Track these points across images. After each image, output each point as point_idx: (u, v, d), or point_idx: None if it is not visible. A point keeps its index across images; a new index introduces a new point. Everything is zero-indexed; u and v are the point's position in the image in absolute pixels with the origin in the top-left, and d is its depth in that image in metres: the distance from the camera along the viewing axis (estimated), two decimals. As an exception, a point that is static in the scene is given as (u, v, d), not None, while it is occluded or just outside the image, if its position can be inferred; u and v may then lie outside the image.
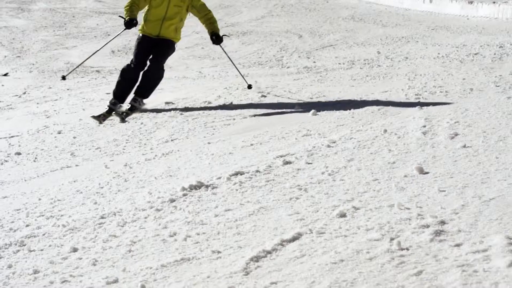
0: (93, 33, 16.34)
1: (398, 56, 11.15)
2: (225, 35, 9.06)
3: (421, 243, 3.02)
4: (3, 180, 5.23)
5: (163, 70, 8.35)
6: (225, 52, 9.24)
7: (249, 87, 8.74)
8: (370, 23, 16.31)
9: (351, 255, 2.94)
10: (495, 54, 10.69)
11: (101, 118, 7.78)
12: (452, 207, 3.54)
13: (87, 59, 9.14)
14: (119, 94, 8.21)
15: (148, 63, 8.26)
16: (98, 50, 9.21)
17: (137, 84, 8.22)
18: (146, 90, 8.30)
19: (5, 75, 11.70)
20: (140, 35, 8.47)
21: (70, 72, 9.87)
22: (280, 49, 13.12)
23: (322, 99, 7.83)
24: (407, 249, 2.96)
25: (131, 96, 8.20)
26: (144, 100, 8.24)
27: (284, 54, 12.53)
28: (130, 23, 8.24)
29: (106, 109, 8.01)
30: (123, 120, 7.71)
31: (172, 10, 8.42)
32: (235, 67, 9.20)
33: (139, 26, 8.53)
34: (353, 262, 2.87)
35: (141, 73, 8.22)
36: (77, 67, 9.85)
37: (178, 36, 8.62)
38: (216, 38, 8.61)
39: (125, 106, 8.10)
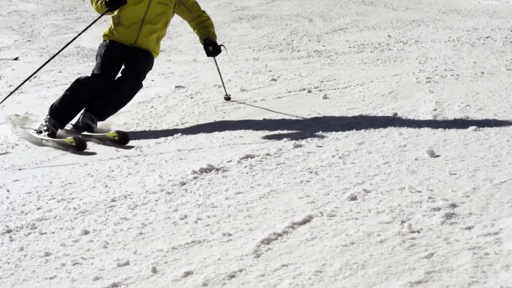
0: (103, 17, 16.29)
1: (408, 39, 11.09)
2: (222, 45, 6.94)
3: (432, 226, 3.01)
4: (14, 164, 5.24)
5: (139, 88, 6.55)
6: (216, 64, 7.39)
7: (227, 98, 7.19)
8: (381, 7, 16.22)
9: (362, 238, 2.94)
10: (506, 37, 10.62)
11: (42, 141, 5.94)
12: (463, 190, 3.53)
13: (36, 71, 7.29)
14: (63, 114, 6.22)
15: (118, 76, 6.51)
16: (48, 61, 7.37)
17: (96, 101, 6.31)
18: (108, 109, 6.41)
19: (16, 59, 11.70)
20: (107, 41, 6.63)
21: (6, 98, 7.07)
22: (290, 32, 13.07)
23: (333, 83, 7.80)
24: (418, 231, 2.96)
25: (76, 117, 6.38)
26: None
27: (294, 37, 12.48)
28: (116, 1, 6.28)
29: (45, 133, 6.01)
30: (78, 146, 5.62)
31: (155, 10, 6.51)
32: (220, 76, 7.45)
33: (104, 30, 6.78)
34: (364, 244, 2.86)
35: (102, 89, 6.37)
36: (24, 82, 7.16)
37: (158, 49, 6.82)
38: (212, 48, 6.75)
39: (69, 128, 6.34)
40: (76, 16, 16.59)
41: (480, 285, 2.36)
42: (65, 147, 5.68)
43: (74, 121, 6.36)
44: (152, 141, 5.61)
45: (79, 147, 5.58)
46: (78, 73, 10.06)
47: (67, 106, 6.26)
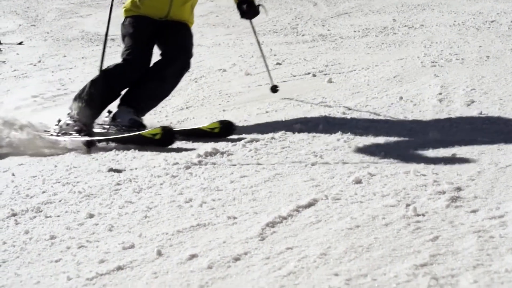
0: (108, 1, 16.26)
1: (414, 23, 11.05)
2: (261, 4, 5.89)
3: (437, 209, 3.01)
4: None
5: (187, 70, 5.62)
6: (254, 33, 6.39)
7: (274, 89, 6.07)
8: (386, -9, 16.17)
9: (366, 221, 2.94)
10: (511, 21, 10.59)
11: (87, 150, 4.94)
12: (468, 173, 3.53)
13: None
14: (92, 115, 5.38)
15: (158, 58, 5.52)
16: None
17: (133, 92, 5.45)
18: (151, 101, 5.57)
19: (20, 43, 11.70)
20: (132, 18, 5.56)
21: None
22: (295, 17, 13.03)
23: (337, 67, 7.78)
24: (423, 215, 2.95)
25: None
26: None
27: (299, 22, 12.44)
28: None
29: (82, 142, 5.05)
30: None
31: None
32: (265, 61, 6.47)
33: (125, 5, 5.68)
34: (368, 227, 2.86)
35: (138, 76, 5.45)
36: None
37: (193, 19, 5.80)
38: (247, 8, 5.73)
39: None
40: (81, 0, 16.56)
41: (485, 268, 2.36)
42: (140, 143, 4.89)
43: (101, 119, 5.58)
44: (157, 125, 5.60)
45: (166, 139, 4.77)
46: (83, 57, 10.06)
47: (97, 104, 5.38)
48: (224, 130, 5.02)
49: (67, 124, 5.39)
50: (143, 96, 5.43)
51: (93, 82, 5.45)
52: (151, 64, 5.51)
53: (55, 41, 11.86)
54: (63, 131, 5.35)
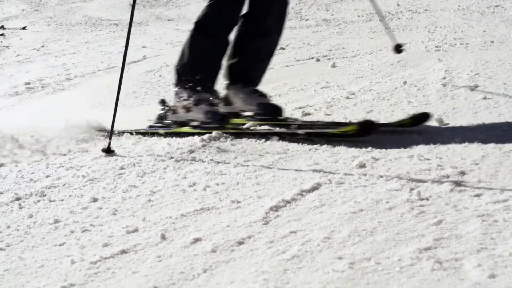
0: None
1: (418, 8, 11.02)
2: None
3: (441, 193, 3.01)
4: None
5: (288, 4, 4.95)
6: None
7: (397, 48, 5.69)
8: (390, -25, 16.11)
9: (370, 205, 2.93)
10: (516, 6, 10.55)
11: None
12: (472, 158, 3.52)
13: None
14: (207, 76, 4.76)
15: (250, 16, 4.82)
16: None
17: (238, 62, 4.87)
18: (263, 69, 5.03)
19: (24, 28, 11.70)
20: None
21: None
22: (299, 1, 12.99)
23: (341, 52, 7.77)
24: (427, 199, 2.95)
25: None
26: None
27: (302, 6, 12.42)
28: None
29: (208, 122, 4.59)
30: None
31: None
32: (385, 22, 6.38)
33: None
34: (372, 211, 2.86)
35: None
36: None
37: None
38: None
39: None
40: (84, -15, 16.53)
41: (489, 252, 2.36)
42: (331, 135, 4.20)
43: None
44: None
45: (365, 131, 4.05)
46: (86, 42, 10.05)
47: (207, 62, 4.79)
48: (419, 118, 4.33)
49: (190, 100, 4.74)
50: (252, 63, 4.91)
51: (189, 41, 4.81)
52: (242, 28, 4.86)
53: (58, 26, 11.85)
54: (191, 108, 4.73)
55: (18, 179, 3.92)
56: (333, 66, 6.86)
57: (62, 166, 4.10)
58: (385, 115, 4.66)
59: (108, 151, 4.24)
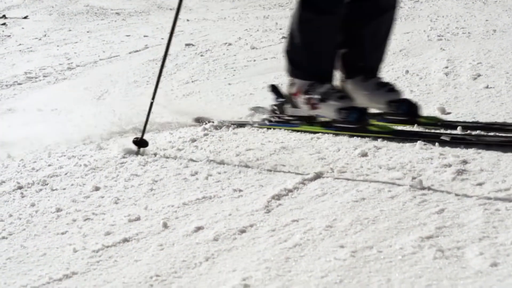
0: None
1: (420, -3, 11.00)
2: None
3: (443, 182, 3.00)
4: (26, 122, 5.25)
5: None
6: None
7: None
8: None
9: (372, 194, 2.93)
10: (519, -5, 10.52)
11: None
12: (474, 146, 3.51)
13: None
14: (326, 63, 4.14)
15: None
16: None
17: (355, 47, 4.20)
18: (378, 54, 4.29)
19: (25, 18, 11.68)
20: None
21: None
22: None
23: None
24: (429, 188, 2.94)
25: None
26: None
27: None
28: None
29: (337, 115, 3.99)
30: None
31: None
32: None
33: None
34: (374, 200, 2.86)
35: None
36: None
37: None
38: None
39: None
40: (85, -26, 16.50)
41: (491, 240, 2.36)
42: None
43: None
44: (162, 99, 5.60)
45: None
46: (88, 31, 10.03)
47: (322, 42, 4.06)
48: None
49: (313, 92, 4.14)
50: (369, 49, 4.24)
51: (297, 21, 4.09)
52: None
53: (60, 15, 11.84)
54: (317, 101, 4.12)
55: (20, 168, 3.93)
56: (335, 55, 6.84)
57: (64, 155, 4.10)
58: (387, 104, 4.65)
59: (141, 143, 3.98)
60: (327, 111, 4.06)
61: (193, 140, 4.12)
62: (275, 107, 4.45)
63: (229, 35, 8.83)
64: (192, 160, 3.76)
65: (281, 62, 6.71)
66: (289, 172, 3.38)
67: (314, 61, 4.09)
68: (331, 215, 2.73)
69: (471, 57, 6.02)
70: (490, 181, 2.97)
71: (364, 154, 3.53)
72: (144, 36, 9.69)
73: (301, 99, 4.19)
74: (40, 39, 9.68)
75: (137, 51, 8.57)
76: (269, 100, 4.90)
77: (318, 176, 3.26)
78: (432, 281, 2.11)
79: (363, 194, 2.93)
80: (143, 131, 3.96)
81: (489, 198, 2.76)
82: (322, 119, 4.12)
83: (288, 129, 4.16)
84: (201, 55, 7.56)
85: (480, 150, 3.42)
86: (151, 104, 3.98)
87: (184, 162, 3.72)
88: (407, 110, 4.05)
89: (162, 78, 6.58)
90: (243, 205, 2.97)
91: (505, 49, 6.30)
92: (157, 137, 4.29)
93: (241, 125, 4.40)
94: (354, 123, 3.89)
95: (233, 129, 4.33)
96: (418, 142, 3.60)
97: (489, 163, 3.23)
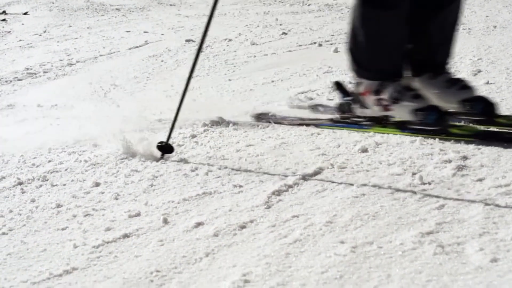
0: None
1: (420, -7, 10.98)
2: None
3: (443, 178, 3.00)
4: (25, 117, 5.25)
5: None
6: None
7: None
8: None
9: (372, 189, 2.93)
10: (519, -10, 10.51)
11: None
12: (475, 142, 3.51)
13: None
14: (392, 67, 3.88)
15: None
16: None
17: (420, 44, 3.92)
18: (445, 48, 3.99)
19: (25, 14, 11.67)
20: None
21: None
22: (301, -14, 12.96)
23: (343, 37, 7.73)
24: (429, 183, 2.95)
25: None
26: None
27: (305, -9, 12.38)
28: None
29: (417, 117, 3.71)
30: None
31: None
32: None
33: None
34: (374, 196, 2.86)
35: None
36: None
37: None
38: None
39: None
40: (85, -30, 16.49)
41: (491, 236, 2.36)
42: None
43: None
44: (162, 94, 5.60)
45: None
46: (88, 27, 10.02)
47: (387, 39, 3.80)
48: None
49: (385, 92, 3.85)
50: (436, 43, 3.96)
51: (359, 17, 3.81)
52: None
53: (60, 11, 11.82)
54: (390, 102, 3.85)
55: (20, 163, 3.92)
56: (336, 51, 6.85)
57: (64, 151, 4.09)
58: (388, 100, 4.64)
59: (166, 149, 3.73)
60: (401, 113, 3.80)
61: (193, 136, 4.11)
62: (341, 106, 4.18)
63: (229, 31, 8.83)
64: (192, 155, 3.76)
65: (282, 58, 6.73)
66: (289, 167, 3.38)
67: (381, 60, 3.84)
68: (331, 211, 2.73)
69: (472, 53, 6.02)
70: (490, 177, 2.97)
71: (365, 150, 3.53)
72: (144, 32, 9.68)
73: (370, 100, 3.93)
74: (40, 35, 9.68)
75: (137, 47, 8.57)
76: (269, 97, 4.91)
77: (318, 171, 3.26)
78: (432, 276, 2.11)
79: (363, 190, 2.94)
80: (168, 136, 3.75)
81: (490, 194, 2.77)
82: (397, 119, 3.85)
83: (357, 131, 3.91)
84: (201, 51, 7.55)
85: (480, 146, 3.43)
86: (178, 110, 3.70)
87: (184, 158, 3.72)
88: (483, 109, 3.76)
89: (162, 74, 6.60)
90: (243, 201, 2.97)
91: (505, 45, 6.30)
92: (157, 133, 4.28)
93: (300, 124, 4.16)
94: (433, 124, 3.64)
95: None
96: (419, 138, 3.59)
97: (489, 159, 3.23)
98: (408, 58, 3.92)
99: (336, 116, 4.18)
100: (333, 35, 7.89)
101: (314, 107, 4.51)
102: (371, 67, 3.88)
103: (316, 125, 4.08)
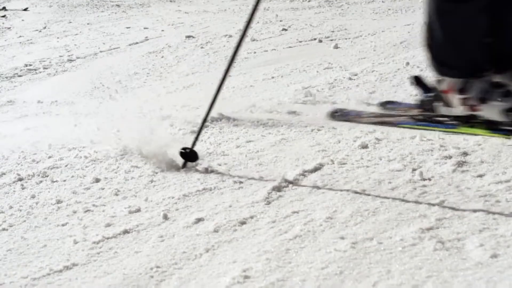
0: None
1: (421, -11, 10.97)
2: None
3: (443, 174, 3.00)
4: (25, 114, 5.25)
5: None
6: None
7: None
8: (393, -44, 16.02)
9: (372, 185, 2.93)
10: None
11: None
12: (475, 138, 3.50)
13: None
14: (475, 63, 3.62)
15: None
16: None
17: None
18: None
19: (25, 10, 11.66)
20: None
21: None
22: (301, -18, 12.95)
23: (344, 33, 7.75)
24: (429, 179, 2.95)
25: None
26: None
27: (305, -13, 12.37)
28: None
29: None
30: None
31: None
32: None
33: None
34: (375, 192, 2.86)
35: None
36: None
37: None
38: None
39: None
40: (85, -34, 16.47)
41: (491, 232, 2.36)
42: None
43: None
44: (162, 91, 5.60)
45: None
46: (88, 23, 10.02)
47: (469, 33, 3.55)
48: None
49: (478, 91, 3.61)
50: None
51: (436, 12, 3.62)
52: None
53: (60, 7, 11.81)
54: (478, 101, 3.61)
55: (21, 159, 3.92)
56: (336, 47, 6.84)
57: (65, 147, 4.09)
58: (388, 96, 4.64)
59: (191, 157, 3.47)
60: (490, 113, 3.57)
61: (194, 132, 4.11)
62: (423, 103, 3.94)
63: (230, 27, 8.82)
64: (192, 151, 3.75)
65: (282, 54, 6.72)
66: (289, 163, 3.38)
67: (461, 55, 3.60)
68: (331, 207, 2.73)
69: (472, 49, 6.01)
70: (490, 173, 2.97)
71: (365, 146, 3.53)
72: (144, 28, 9.68)
73: (454, 98, 3.70)
74: (40, 31, 9.67)
75: (137, 43, 8.56)
76: (269, 93, 4.90)
77: (318, 167, 3.26)
78: (432, 272, 2.11)
79: (364, 186, 2.94)
80: (194, 142, 3.50)
81: (490, 190, 2.77)
82: (486, 118, 3.60)
83: (443, 131, 3.67)
84: (202, 47, 7.55)
85: (480, 142, 3.42)
86: (206, 116, 3.52)
87: (184, 154, 3.71)
88: None
89: (162, 70, 6.60)
90: (243, 197, 2.97)
91: (505, 41, 6.29)
92: (157, 129, 4.28)
93: (381, 123, 3.95)
94: None
95: (233, 120, 4.30)
96: (419, 133, 3.59)
97: (489, 154, 3.23)
98: (490, 53, 3.63)
99: (417, 113, 3.98)
100: (333, 31, 7.89)
101: (384, 105, 4.33)
102: (451, 63, 3.66)
103: (395, 124, 3.87)
